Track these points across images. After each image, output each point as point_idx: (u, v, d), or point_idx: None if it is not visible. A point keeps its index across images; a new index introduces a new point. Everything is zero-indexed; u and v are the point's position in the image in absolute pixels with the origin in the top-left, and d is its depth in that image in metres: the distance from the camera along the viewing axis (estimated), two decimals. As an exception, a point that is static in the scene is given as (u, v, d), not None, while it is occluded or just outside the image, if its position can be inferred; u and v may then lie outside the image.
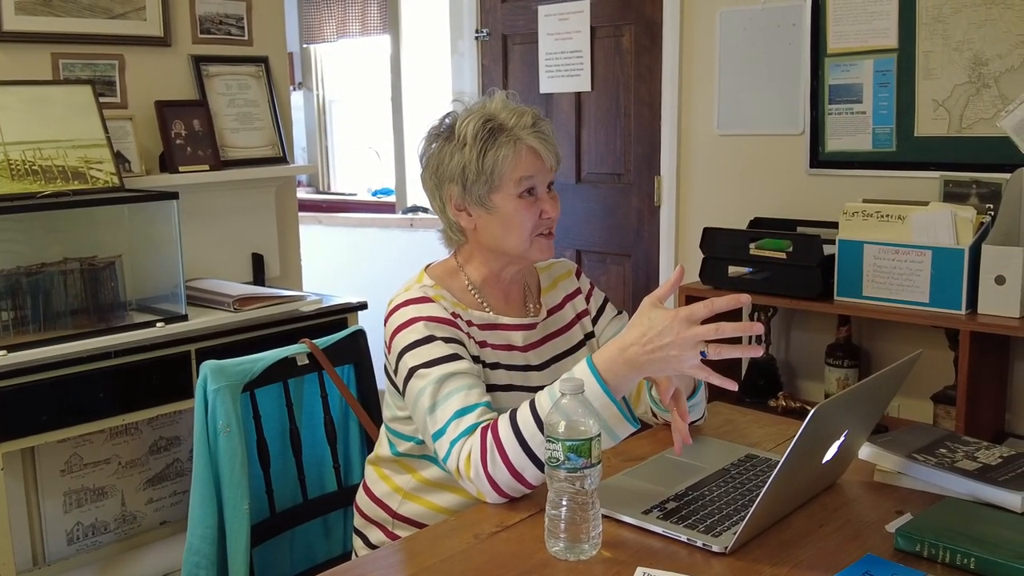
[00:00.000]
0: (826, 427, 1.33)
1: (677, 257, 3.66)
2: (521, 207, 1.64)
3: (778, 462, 1.26)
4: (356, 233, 5.17)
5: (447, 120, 1.70)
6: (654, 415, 1.81)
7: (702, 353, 1.34)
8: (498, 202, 1.64)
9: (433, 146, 1.70)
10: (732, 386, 1.39)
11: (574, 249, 4.03)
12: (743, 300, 1.38)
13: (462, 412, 1.50)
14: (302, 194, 5.87)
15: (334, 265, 4.91)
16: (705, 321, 1.35)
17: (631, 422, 1.43)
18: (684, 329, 1.34)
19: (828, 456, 1.40)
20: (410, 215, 5.08)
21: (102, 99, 2.87)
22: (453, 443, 1.48)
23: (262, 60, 3.37)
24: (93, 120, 2.77)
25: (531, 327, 1.75)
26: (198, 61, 3.20)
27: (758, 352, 1.39)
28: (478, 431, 1.47)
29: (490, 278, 1.74)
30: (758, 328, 1.36)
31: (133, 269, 2.82)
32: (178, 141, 3.06)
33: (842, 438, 1.40)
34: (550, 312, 1.80)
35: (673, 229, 3.67)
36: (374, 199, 5.74)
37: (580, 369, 1.43)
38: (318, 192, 6.16)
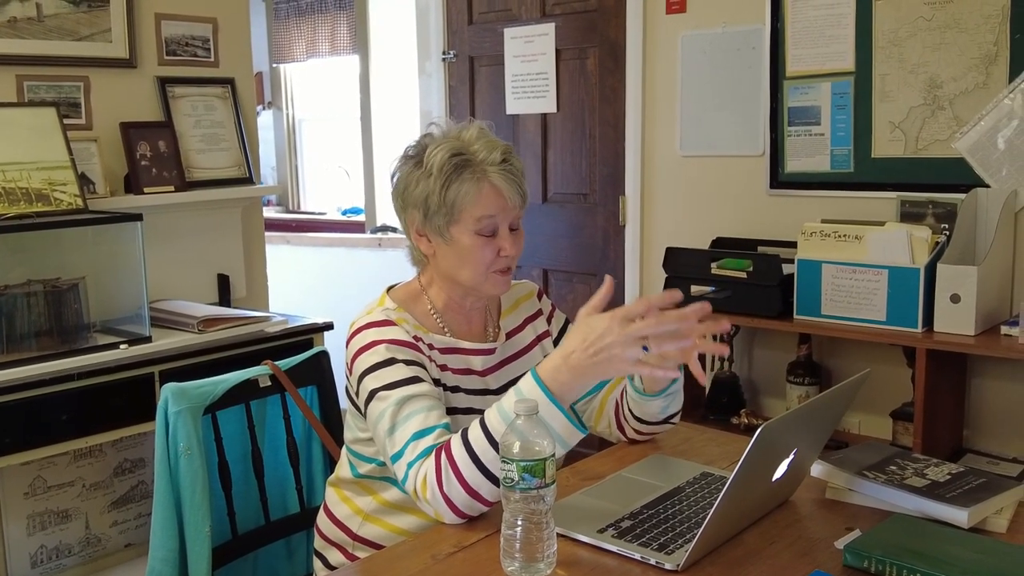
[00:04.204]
0: (774, 446, 1.36)
1: (642, 276, 3.70)
2: (478, 244, 1.65)
3: (730, 480, 1.29)
4: (324, 253, 5.17)
5: (422, 142, 1.70)
6: (620, 429, 1.83)
7: (644, 348, 1.39)
8: (456, 235, 1.65)
9: (404, 168, 1.71)
10: (674, 374, 1.52)
11: (541, 268, 4.06)
12: (677, 296, 1.45)
13: (420, 434, 1.52)
14: (271, 213, 5.87)
15: (302, 285, 4.90)
16: None
17: (580, 428, 1.45)
18: (623, 327, 1.39)
19: (778, 474, 1.43)
20: (379, 235, 5.09)
21: (67, 121, 2.87)
22: (410, 465, 1.50)
23: (228, 81, 3.39)
24: (57, 142, 2.77)
25: (490, 352, 1.77)
26: (164, 83, 3.21)
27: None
28: (433, 453, 1.49)
29: (451, 304, 1.76)
30: (698, 326, 1.42)
31: (97, 291, 2.81)
32: (143, 162, 3.07)
33: (791, 456, 1.43)
34: (509, 335, 1.82)
35: (638, 248, 3.71)
36: (344, 218, 5.75)
37: (526, 381, 1.46)
38: (288, 211, 6.16)
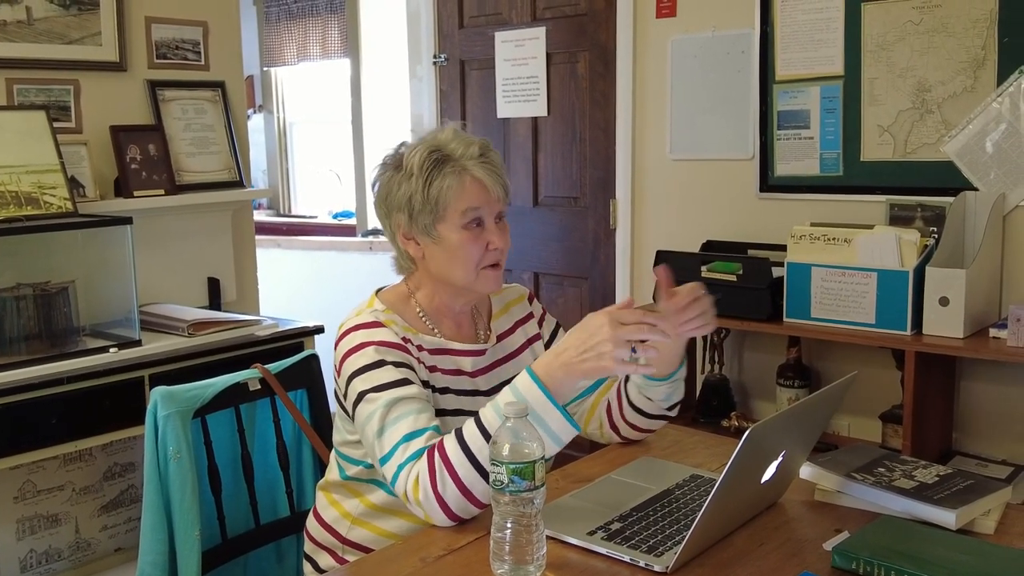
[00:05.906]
0: (762, 448, 1.37)
1: (632, 279, 3.71)
2: (466, 239, 1.66)
3: (719, 483, 1.29)
4: (315, 256, 5.17)
5: (398, 149, 1.73)
6: (613, 429, 1.84)
7: (633, 350, 1.45)
8: (443, 232, 1.66)
9: (383, 174, 1.73)
10: (646, 370, 1.56)
11: (531, 272, 4.07)
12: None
13: (410, 436, 1.52)
14: (262, 217, 5.86)
15: (293, 289, 4.90)
16: None
17: (573, 426, 1.47)
18: (614, 328, 1.44)
19: (766, 476, 1.43)
20: (370, 238, 5.09)
21: (57, 124, 2.86)
22: (400, 467, 1.50)
23: (219, 85, 3.38)
24: (47, 145, 2.76)
25: (480, 353, 1.77)
26: (154, 86, 3.21)
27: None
28: (425, 454, 1.49)
29: (441, 307, 1.76)
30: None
31: (87, 294, 2.81)
32: (133, 166, 3.06)
33: (779, 458, 1.43)
34: (500, 338, 1.82)
35: (628, 252, 3.71)
36: (334, 222, 5.74)
37: (522, 379, 1.47)
38: (278, 214, 6.15)
